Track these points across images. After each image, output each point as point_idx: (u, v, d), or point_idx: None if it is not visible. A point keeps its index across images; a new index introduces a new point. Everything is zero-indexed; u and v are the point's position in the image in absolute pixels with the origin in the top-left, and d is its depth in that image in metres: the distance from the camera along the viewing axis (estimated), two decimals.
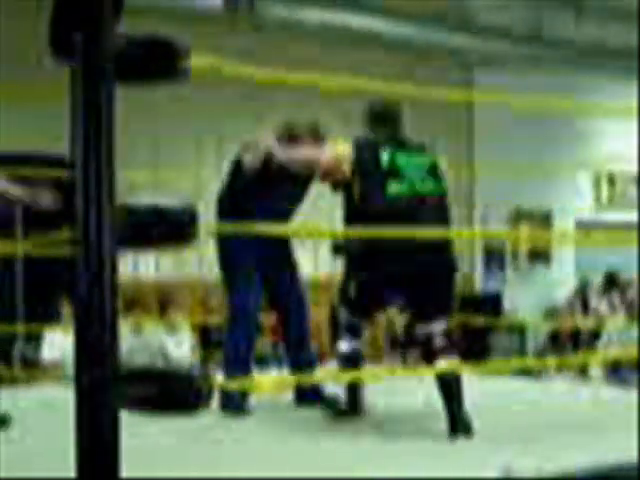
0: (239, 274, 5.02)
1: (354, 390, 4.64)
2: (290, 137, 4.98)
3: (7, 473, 3.32)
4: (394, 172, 4.38)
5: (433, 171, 4.48)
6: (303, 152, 4.76)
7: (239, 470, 3.47)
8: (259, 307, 5.13)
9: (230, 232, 4.94)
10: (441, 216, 4.43)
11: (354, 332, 4.57)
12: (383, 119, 4.62)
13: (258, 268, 5.03)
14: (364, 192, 4.39)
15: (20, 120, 9.43)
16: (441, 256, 4.41)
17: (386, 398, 5.15)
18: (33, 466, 3.51)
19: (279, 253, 5.13)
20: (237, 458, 3.82)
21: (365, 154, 4.45)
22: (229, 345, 5.03)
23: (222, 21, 10.09)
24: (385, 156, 4.41)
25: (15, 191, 4.76)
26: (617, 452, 3.61)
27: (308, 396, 5.06)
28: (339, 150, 4.54)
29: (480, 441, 4.05)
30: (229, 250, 5.05)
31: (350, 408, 4.63)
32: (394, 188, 4.35)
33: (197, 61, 2.42)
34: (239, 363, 4.95)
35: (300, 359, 5.12)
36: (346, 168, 4.45)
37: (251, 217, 4.86)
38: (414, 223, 4.22)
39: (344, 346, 4.57)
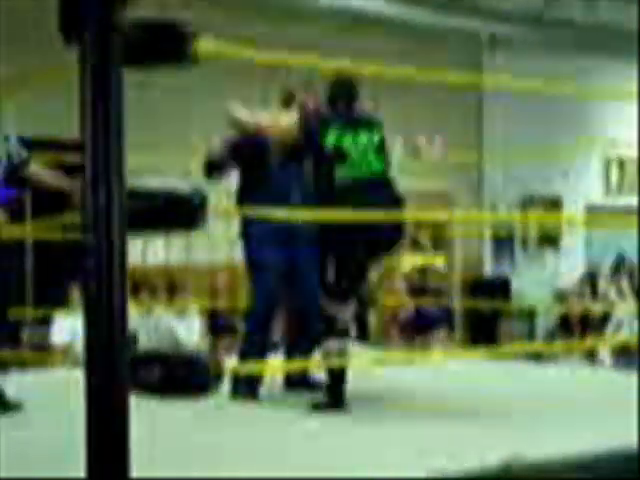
0: (265, 266, 5.01)
1: (338, 384, 4.49)
2: (287, 100, 5.05)
3: (15, 459, 3.33)
4: (340, 155, 4.50)
5: (380, 149, 4.61)
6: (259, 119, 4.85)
7: (241, 464, 3.48)
8: (280, 298, 5.09)
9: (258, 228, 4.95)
10: (387, 193, 4.55)
11: (344, 332, 4.54)
12: (339, 95, 4.70)
13: (284, 260, 5.03)
14: (314, 177, 4.55)
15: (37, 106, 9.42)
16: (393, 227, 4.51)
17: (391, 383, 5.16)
18: (41, 452, 3.53)
19: (303, 250, 5.10)
20: (241, 448, 3.82)
21: (313, 134, 4.56)
22: (249, 331, 5.05)
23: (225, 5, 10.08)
24: (331, 138, 4.51)
25: (60, 181, 4.67)
26: (618, 437, 3.61)
27: (297, 382, 5.06)
28: (283, 120, 4.70)
29: (484, 425, 4.05)
30: (258, 243, 5.03)
31: (332, 402, 4.49)
32: (340, 172, 4.47)
33: (202, 45, 2.42)
34: (255, 351, 4.94)
35: (299, 347, 5.10)
36: (292, 136, 4.62)
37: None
38: (362, 204, 4.31)
39: (332, 345, 4.53)
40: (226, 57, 2.92)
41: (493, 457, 3.22)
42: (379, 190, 4.51)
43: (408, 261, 11.49)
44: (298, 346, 5.11)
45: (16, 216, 4.81)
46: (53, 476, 3.00)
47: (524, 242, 13.19)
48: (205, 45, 2.45)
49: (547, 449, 3.41)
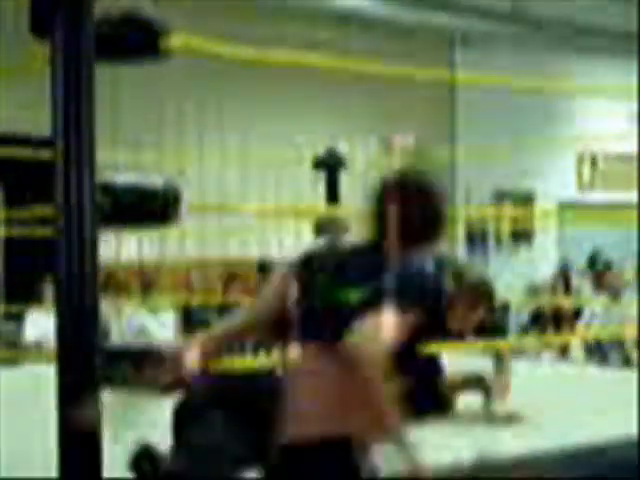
0: None
1: None
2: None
3: None
4: None
5: None
6: None
7: None
8: None
9: None
10: None
11: None
12: None
13: None
14: None
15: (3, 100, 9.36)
16: None
17: None
18: (15, 450, 3.50)
19: None
20: None
21: None
22: None
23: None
24: None
25: None
26: (616, 430, 3.63)
27: None
28: None
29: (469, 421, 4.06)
30: None
31: None
32: None
33: (173, 40, 2.41)
34: None
35: None
36: None
37: None
38: None
39: None
40: (198, 52, 2.90)
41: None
42: None
43: None
44: None
45: None
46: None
47: (497, 237, 13.23)
48: (176, 40, 2.44)
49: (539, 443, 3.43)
